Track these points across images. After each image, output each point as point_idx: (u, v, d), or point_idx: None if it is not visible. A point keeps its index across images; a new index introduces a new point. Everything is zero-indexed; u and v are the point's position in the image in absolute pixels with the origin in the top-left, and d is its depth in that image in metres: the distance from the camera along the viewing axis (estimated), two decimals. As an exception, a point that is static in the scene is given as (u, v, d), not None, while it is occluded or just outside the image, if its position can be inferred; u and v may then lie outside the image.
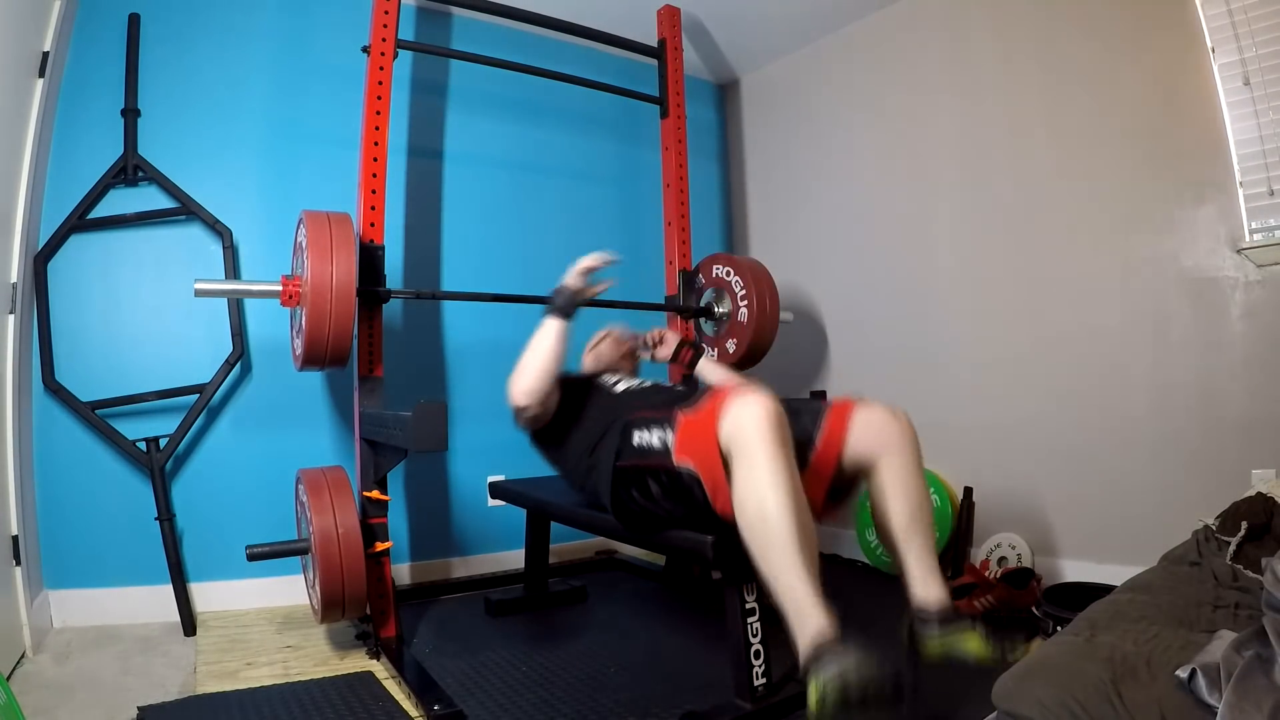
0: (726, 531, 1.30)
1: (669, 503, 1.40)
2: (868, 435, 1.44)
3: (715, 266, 2.51)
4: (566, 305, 1.64)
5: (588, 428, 1.68)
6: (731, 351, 2.44)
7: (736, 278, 2.42)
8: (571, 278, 1.67)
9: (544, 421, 1.70)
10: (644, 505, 1.44)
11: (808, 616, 1.15)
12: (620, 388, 1.80)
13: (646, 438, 1.37)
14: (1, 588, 1.69)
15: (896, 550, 1.42)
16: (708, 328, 2.56)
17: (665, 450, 1.32)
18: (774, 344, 2.49)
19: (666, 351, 2.06)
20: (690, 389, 1.76)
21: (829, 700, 1.04)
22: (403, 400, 1.89)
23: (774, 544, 1.17)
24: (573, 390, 1.76)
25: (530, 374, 1.60)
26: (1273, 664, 0.83)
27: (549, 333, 1.62)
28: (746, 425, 1.17)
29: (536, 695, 1.57)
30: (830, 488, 1.45)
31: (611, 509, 1.49)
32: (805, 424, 1.46)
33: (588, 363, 2.03)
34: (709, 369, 2.06)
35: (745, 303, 2.38)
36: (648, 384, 1.84)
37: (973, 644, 1.31)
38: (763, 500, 1.17)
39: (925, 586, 1.38)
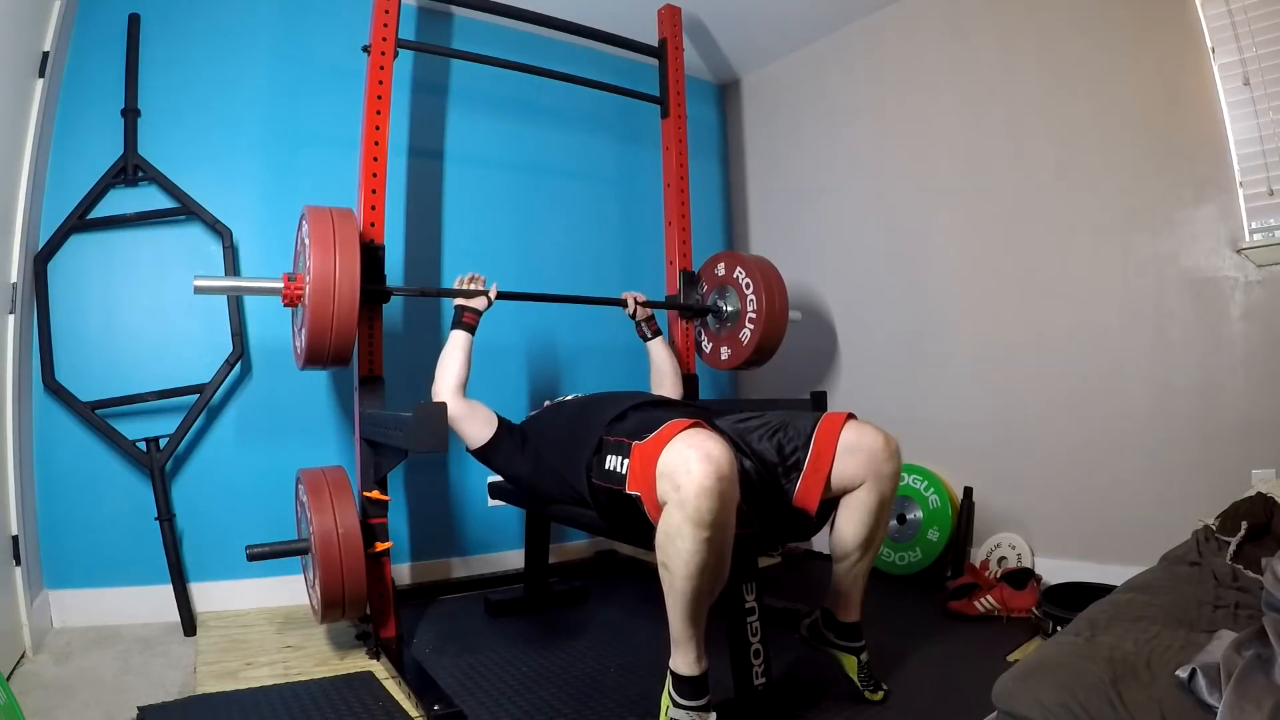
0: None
1: (630, 520, 1.42)
2: (857, 460, 1.44)
3: (723, 264, 2.48)
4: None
5: (558, 427, 1.73)
6: (740, 350, 2.42)
7: (745, 276, 2.39)
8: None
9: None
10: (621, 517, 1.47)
11: (684, 650, 1.28)
12: (580, 396, 1.85)
13: (613, 463, 1.40)
14: (1, 588, 1.69)
15: (842, 561, 1.51)
16: (713, 324, 2.54)
17: (623, 479, 1.35)
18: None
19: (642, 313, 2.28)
20: (649, 400, 1.74)
21: None
22: (403, 400, 1.89)
23: (673, 590, 1.24)
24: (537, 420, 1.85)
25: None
26: (1273, 664, 0.83)
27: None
28: (681, 477, 1.17)
29: (536, 695, 1.57)
30: (820, 507, 1.47)
31: (597, 514, 1.52)
32: (794, 444, 1.48)
33: None
34: (658, 351, 2.26)
35: (754, 301, 2.35)
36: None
37: (850, 665, 1.52)
38: (671, 554, 1.21)
39: (847, 604, 1.53)
